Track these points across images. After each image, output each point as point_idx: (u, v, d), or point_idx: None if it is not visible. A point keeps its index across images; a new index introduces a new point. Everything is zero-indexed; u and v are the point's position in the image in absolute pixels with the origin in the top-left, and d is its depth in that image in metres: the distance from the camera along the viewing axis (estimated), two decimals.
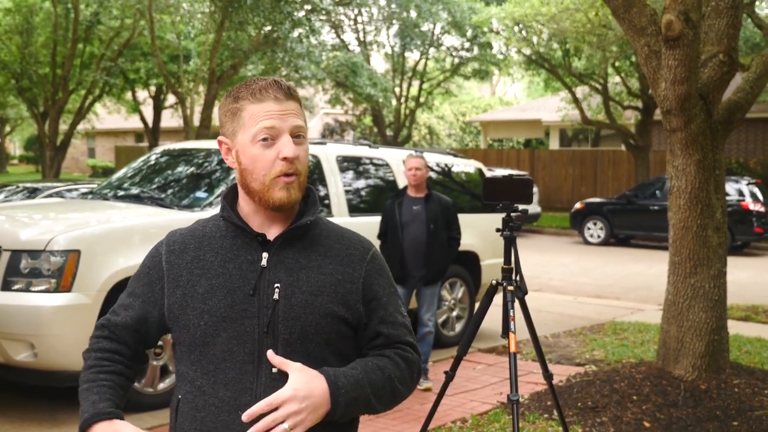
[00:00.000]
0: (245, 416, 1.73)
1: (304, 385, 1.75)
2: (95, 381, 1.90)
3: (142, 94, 31.33)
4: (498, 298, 4.60)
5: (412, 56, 29.14)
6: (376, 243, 6.52)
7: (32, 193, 9.89)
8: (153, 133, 28.15)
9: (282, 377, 1.80)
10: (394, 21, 26.99)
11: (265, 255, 1.86)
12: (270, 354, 1.78)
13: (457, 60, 28.25)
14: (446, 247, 6.53)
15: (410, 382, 1.96)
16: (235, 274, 1.85)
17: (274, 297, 1.83)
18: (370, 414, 1.92)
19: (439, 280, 6.58)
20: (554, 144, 30.72)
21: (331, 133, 33.97)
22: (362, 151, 7.75)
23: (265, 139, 1.84)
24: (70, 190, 9.67)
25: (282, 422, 1.72)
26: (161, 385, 5.77)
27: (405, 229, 6.42)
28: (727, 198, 8.28)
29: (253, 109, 1.86)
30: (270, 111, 1.84)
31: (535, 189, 21.24)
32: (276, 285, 1.84)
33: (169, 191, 6.79)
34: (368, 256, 1.95)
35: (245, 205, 1.92)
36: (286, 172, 1.84)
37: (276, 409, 1.73)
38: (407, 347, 1.96)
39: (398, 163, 7.75)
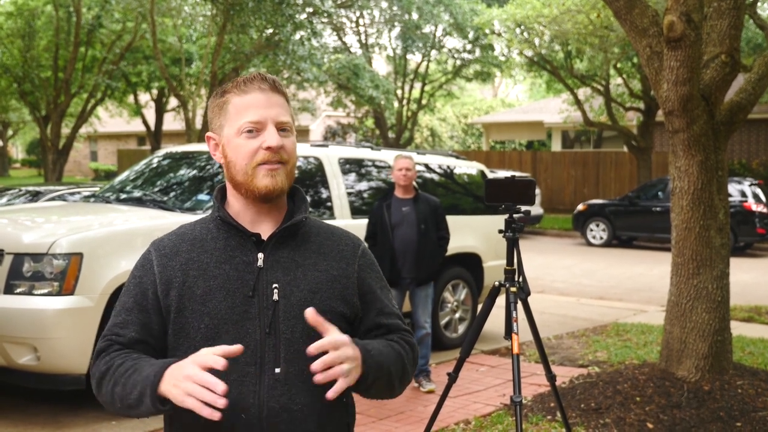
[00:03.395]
0: (313, 348, 1.69)
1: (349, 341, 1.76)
2: (134, 360, 1.79)
3: (144, 97, 31.38)
4: (501, 300, 4.60)
5: (414, 58, 29.14)
6: None
7: (35, 196, 9.90)
8: (155, 136, 28.18)
9: (285, 379, 1.80)
10: (396, 23, 26.99)
11: (260, 255, 1.85)
12: (310, 312, 1.74)
13: (458, 62, 28.24)
14: (437, 248, 6.53)
15: (413, 366, 1.99)
16: (233, 276, 1.84)
17: (274, 297, 1.83)
18: (388, 392, 1.92)
19: (431, 280, 6.56)
20: (556, 146, 30.71)
21: (333, 135, 33.98)
22: (364, 153, 7.75)
23: (250, 131, 1.83)
24: (72, 194, 9.68)
25: (341, 363, 1.71)
26: None
27: (395, 231, 6.39)
28: (730, 199, 8.27)
29: (238, 102, 1.86)
30: (255, 103, 1.84)
31: (537, 191, 21.25)
32: (274, 285, 1.84)
33: (172, 194, 6.79)
34: (359, 251, 1.97)
35: (235, 203, 1.90)
36: (268, 160, 1.83)
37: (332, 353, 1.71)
38: (407, 334, 2.00)
39: None
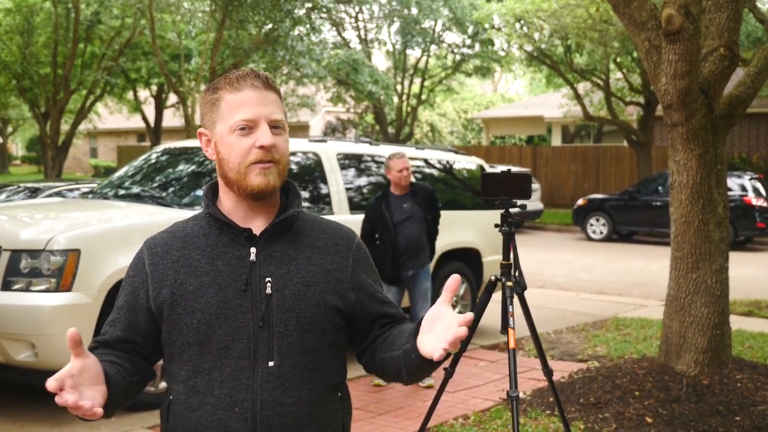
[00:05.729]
0: (463, 321, 1.62)
1: None
2: None
3: (143, 93, 31.35)
4: (497, 295, 4.59)
5: (414, 53, 29.12)
6: None
7: (33, 193, 9.89)
8: (155, 133, 28.15)
9: (278, 372, 1.81)
10: (395, 18, 26.96)
11: (253, 250, 1.85)
12: (454, 279, 1.70)
13: (458, 57, 28.21)
14: (433, 228, 6.63)
15: None
16: (225, 271, 1.84)
17: (267, 291, 1.83)
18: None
19: (428, 263, 6.63)
20: (556, 140, 30.69)
21: (333, 131, 33.95)
22: (363, 148, 7.74)
23: (243, 129, 1.83)
24: (71, 190, 9.66)
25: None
26: (162, 384, 5.77)
27: (398, 228, 6.37)
28: (730, 193, 8.27)
29: (231, 99, 1.85)
30: (248, 100, 1.83)
31: (537, 185, 21.23)
32: (267, 279, 1.84)
33: (170, 190, 6.78)
34: (354, 245, 1.98)
35: (227, 200, 1.90)
36: (261, 159, 1.82)
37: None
38: (408, 321, 2.01)
39: None
